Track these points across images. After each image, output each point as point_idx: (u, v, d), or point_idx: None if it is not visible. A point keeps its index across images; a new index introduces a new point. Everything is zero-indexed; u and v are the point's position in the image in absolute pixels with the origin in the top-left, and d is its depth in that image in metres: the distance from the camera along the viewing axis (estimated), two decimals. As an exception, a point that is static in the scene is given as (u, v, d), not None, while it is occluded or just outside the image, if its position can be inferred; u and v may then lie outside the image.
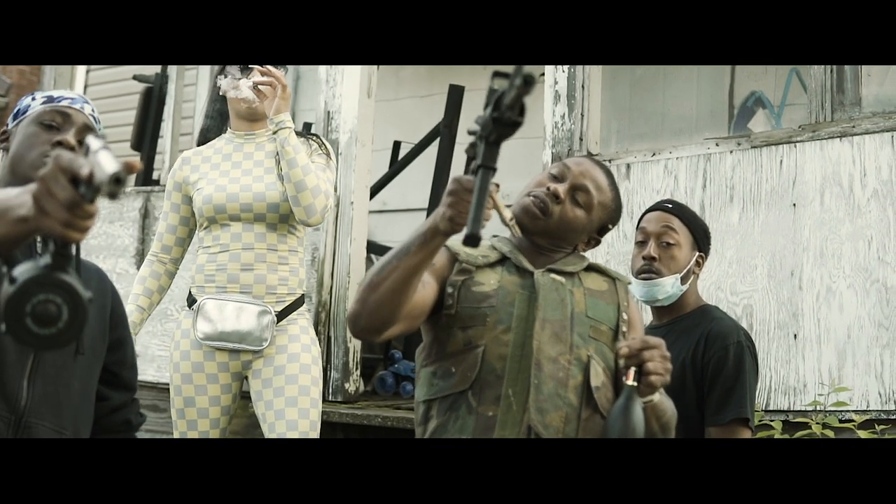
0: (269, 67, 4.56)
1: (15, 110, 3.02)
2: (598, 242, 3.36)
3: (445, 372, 3.12)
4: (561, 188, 3.23)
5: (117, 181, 1.86)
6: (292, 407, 4.55)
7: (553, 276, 3.17)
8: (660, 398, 3.00)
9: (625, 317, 3.22)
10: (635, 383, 2.87)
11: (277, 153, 4.68)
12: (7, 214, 2.06)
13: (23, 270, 1.92)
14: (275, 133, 4.57)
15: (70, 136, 2.93)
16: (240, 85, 4.71)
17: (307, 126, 8.55)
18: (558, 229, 3.23)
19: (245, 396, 4.86)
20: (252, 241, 4.63)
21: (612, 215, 3.35)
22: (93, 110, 3.07)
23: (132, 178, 9.03)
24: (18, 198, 2.01)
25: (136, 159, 1.98)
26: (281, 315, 4.65)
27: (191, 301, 4.71)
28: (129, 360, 3.21)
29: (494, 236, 3.33)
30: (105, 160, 1.91)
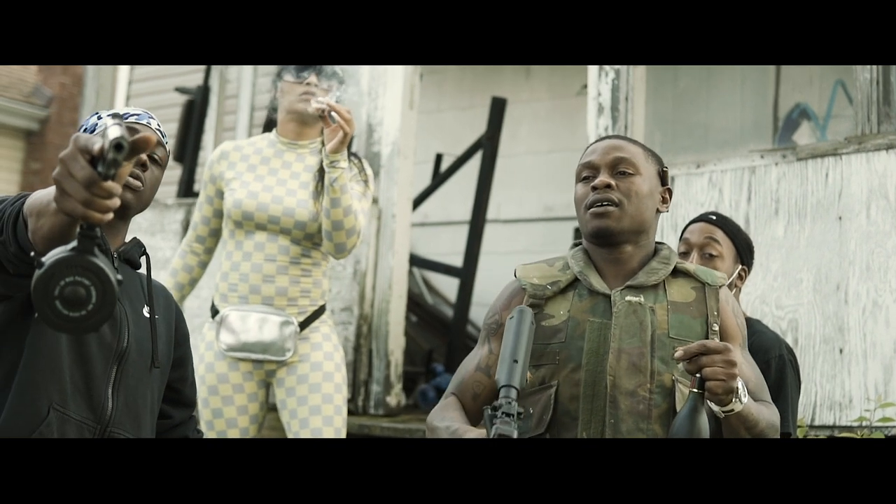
0: (342, 109, 4.50)
1: (82, 128, 3.03)
2: (671, 193, 3.17)
3: (525, 412, 2.91)
4: (604, 178, 3.04)
5: (117, 147, 1.87)
6: (316, 415, 4.56)
7: (630, 298, 2.98)
8: (746, 406, 2.81)
9: (714, 328, 2.99)
10: (698, 391, 2.70)
11: (318, 169, 4.68)
12: (48, 207, 2.12)
13: (51, 254, 1.92)
14: (328, 165, 4.52)
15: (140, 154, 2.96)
16: (311, 99, 4.68)
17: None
18: (635, 209, 3.04)
19: (273, 406, 4.86)
20: (275, 252, 4.63)
21: (656, 159, 3.16)
22: (158, 125, 3.11)
23: (174, 190, 9.05)
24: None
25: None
26: (303, 325, 4.64)
27: (213, 311, 4.71)
28: (190, 377, 3.28)
29: (577, 243, 3.21)
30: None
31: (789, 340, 5.16)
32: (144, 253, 3.12)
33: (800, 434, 4.62)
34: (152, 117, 3.10)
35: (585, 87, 6.30)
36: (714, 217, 4.23)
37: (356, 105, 7.03)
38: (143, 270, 3.14)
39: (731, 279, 4.12)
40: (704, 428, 2.69)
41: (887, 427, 4.81)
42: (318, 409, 4.57)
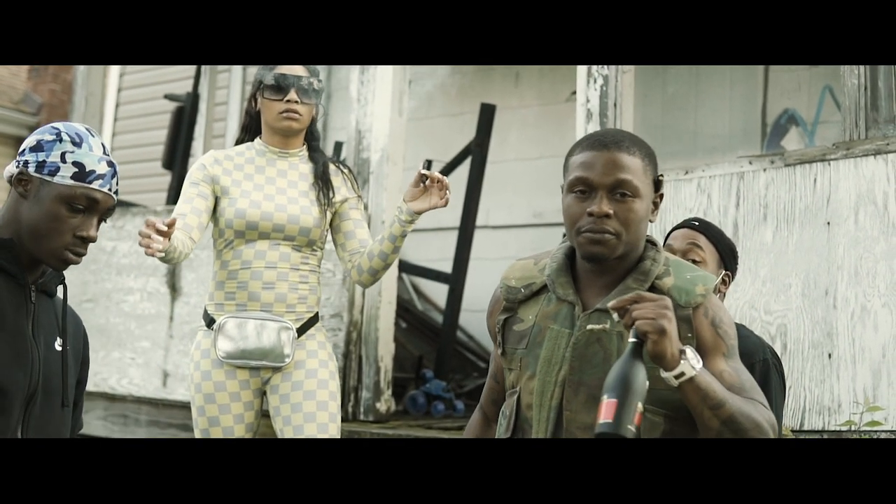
0: (445, 183, 4.58)
1: (38, 158, 2.95)
2: (662, 197, 3.01)
3: (503, 413, 3.03)
4: (603, 204, 2.86)
5: None
6: (311, 422, 4.55)
7: (592, 326, 2.89)
8: (703, 379, 2.69)
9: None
10: (635, 339, 2.64)
11: (314, 177, 4.72)
12: None
13: None
14: (407, 222, 4.59)
15: (92, 229, 2.95)
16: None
17: (338, 146, 8.54)
18: (633, 236, 2.91)
19: (266, 414, 4.85)
20: (276, 259, 4.62)
21: (653, 167, 2.99)
22: (117, 182, 3.05)
23: (163, 197, 9.04)
24: None
25: None
26: (299, 332, 4.64)
27: (208, 320, 4.69)
28: (80, 402, 3.28)
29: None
30: None
31: (778, 345, 5.16)
32: (62, 282, 3.10)
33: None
34: (114, 173, 3.02)
35: (574, 93, 6.30)
36: (697, 223, 4.24)
37: (345, 112, 7.04)
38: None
39: (714, 285, 4.13)
40: (639, 375, 2.62)
41: (875, 431, 4.82)
42: (313, 416, 4.57)
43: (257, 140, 4.85)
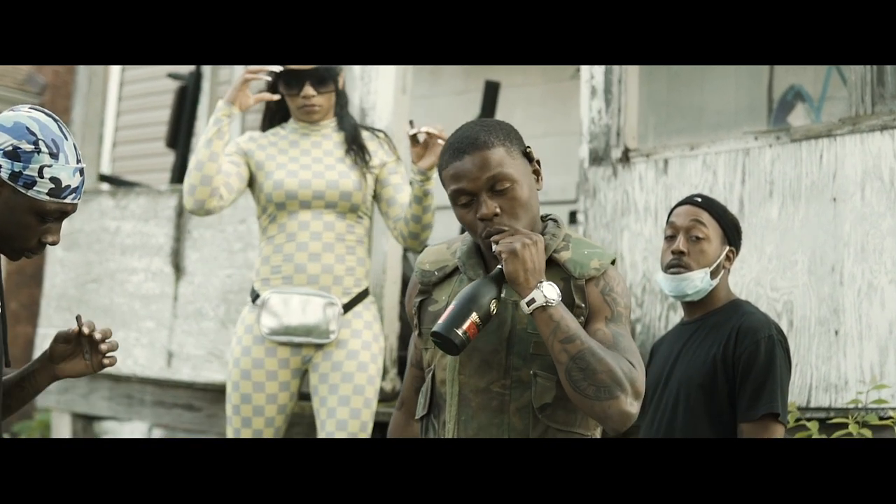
0: (442, 135, 4.54)
1: (13, 168, 2.84)
2: (539, 163, 3.10)
3: (421, 393, 3.16)
4: (489, 206, 2.97)
5: None
6: (344, 406, 4.57)
7: None
8: (557, 312, 2.87)
9: (580, 320, 2.98)
10: (500, 267, 2.92)
11: (346, 142, 4.75)
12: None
13: None
14: (421, 182, 4.59)
15: (58, 235, 2.96)
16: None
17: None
18: (527, 219, 3.01)
19: (303, 396, 4.85)
20: (321, 229, 4.65)
21: (517, 144, 3.06)
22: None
23: (167, 177, 9.02)
24: None
25: None
26: (346, 307, 4.65)
27: (254, 296, 4.70)
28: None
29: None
30: None
31: (784, 322, 5.14)
32: None
33: (791, 418, 4.61)
34: (84, 179, 2.96)
35: (579, 70, 6.28)
36: (699, 199, 4.25)
37: (348, 89, 7.02)
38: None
39: (718, 261, 4.14)
40: (485, 293, 2.90)
41: (881, 409, 4.80)
42: (347, 399, 4.59)
43: (290, 120, 4.90)
